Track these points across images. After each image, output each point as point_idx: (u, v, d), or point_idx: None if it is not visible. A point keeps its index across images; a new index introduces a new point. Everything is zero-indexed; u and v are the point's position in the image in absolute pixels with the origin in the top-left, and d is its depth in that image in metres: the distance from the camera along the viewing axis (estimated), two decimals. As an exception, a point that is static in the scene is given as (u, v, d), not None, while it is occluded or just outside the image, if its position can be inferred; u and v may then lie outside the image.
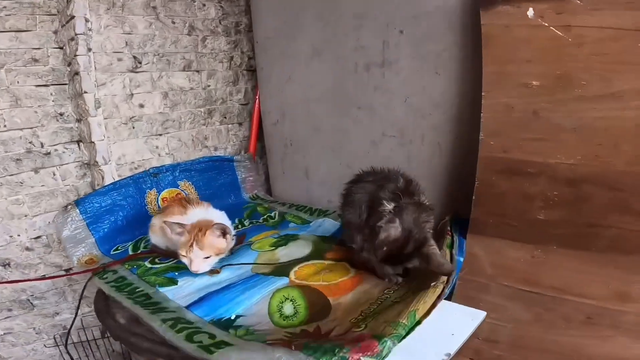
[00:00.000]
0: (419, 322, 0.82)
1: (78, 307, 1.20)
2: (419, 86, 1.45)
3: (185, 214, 1.25)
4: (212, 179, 1.82)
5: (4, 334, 1.56)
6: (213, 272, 1.17)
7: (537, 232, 1.06)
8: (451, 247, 1.13)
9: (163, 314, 0.95)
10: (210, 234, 1.15)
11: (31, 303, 1.61)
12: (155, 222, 1.33)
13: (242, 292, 1.05)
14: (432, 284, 0.92)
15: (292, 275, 1.14)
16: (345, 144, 1.70)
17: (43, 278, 1.54)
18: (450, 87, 1.38)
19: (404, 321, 0.79)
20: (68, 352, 1.29)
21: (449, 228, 1.20)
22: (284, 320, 0.96)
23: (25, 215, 1.58)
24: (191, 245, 1.12)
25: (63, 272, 1.66)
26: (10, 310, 1.56)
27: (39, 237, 1.60)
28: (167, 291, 1.09)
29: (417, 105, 1.47)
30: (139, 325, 0.97)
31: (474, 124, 1.29)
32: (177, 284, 1.13)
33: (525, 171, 1.08)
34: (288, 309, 0.99)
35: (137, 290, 1.11)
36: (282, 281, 1.10)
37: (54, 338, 1.64)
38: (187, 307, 1.01)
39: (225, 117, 2.06)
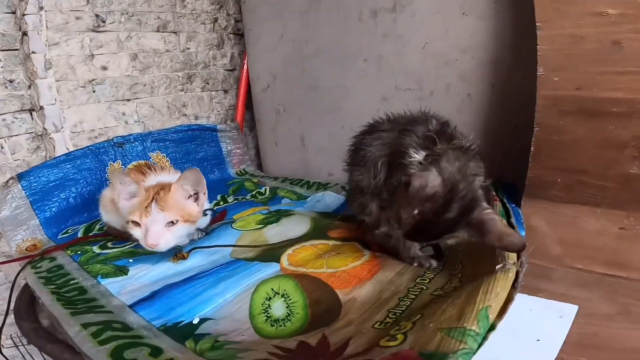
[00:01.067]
0: (492, 327, 0.45)
1: (9, 304, 0.84)
2: (440, 29, 1.11)
3: (143, 181, 0.88)
4: (191, 151, 1.45)
5: None
6: (177, 256, 0.82)
7: (629, 193, 0.70)
8: (506, 216, 0.76)
9: (90, 315, 0.60)
10: (178, 189, 0.78)
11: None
12: (107, 194, 0.96)
13: (212, 285, 0.69)
14: (497, 266, 0.56)
15: (284, 260, 0.78)
16: (348, 102, 1.34)
17: None
18: (481, 27, 1.05)
19: (472, 327, 0.43)
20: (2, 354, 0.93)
21: (494, 192, 0.83)
22: (273, 325, 0.61)
23: (-36, 196, 1.22)
24: (148, 206, 0.74)
25: (16, 265, 1.30)
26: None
27: (-19, 221, 1.24)
28: (111, 283, 0.74)
29: (439, 52, 1.13)
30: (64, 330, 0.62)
31: (516, 68, 0.99)
32: (126, 274, 0.77)
33: (608, 111, 0.72)
34: (278, 308, 0.64)
35: (71, 282, 0.75)
36: (271, 268, 0.74)
37: (11, 337, 1.28)
38: (132, 305, 0.65)
39: (208, 83, 1.68)
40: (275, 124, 1.61)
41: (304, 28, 1.45)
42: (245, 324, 0.60)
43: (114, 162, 1.25)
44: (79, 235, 1.04)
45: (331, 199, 1.19)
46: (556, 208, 0.78)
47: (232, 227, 0.98)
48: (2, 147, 1.28)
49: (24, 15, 1.22)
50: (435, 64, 1.13)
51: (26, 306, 0.76)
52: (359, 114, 1.31)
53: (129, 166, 1.27)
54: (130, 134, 1.33)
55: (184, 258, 0.81)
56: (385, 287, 0.68)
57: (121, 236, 0.97)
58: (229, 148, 1.59)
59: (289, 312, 0.63)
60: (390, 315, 0.59)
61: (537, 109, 0.81)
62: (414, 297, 0.63)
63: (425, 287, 0.66)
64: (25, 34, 1.24)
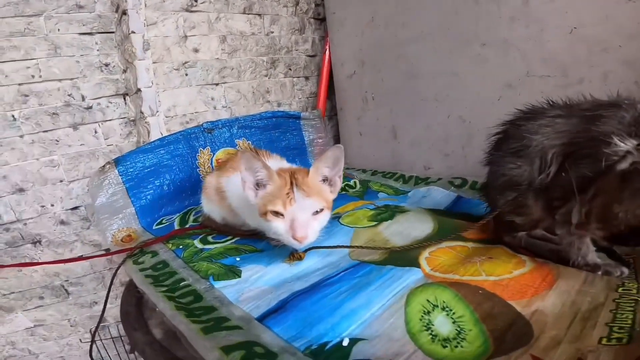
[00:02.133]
0: None
1: (106, 300, 0.78)
2: (596, 15, 0.93)
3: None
4: (275, 139, 1.36)
5: (35, 326, 1.20)
6: (294, 257, 0.71)
7: None
8: None
9: (223, 332, 0.50)
10: (316, 173, 0.66)
11: (66, 290, 1.24)
12: (211, 181, 0.87)
13: (350, 295, 0.57)
14: None
15: (424, 264, 0.64)
16: (458, 90, 1.17)
17: (68, 260, 1.16)
18: None
19: None
20: (91, 357, 0.89)
21: None
22: (445, 347, 0.47)
23: (61, 181, 1.21)
24: (290, 192, 0.62)
25: (102, 252, 1.28)
26: (41, 298, 1.20)
27: (75, 207, 1.23)
28: (226, 287, 0.64)
29: (593, 37, 0.94)
30: (182, 345, 0.53)
31: None
32: (240, 277, 0.67)
33: None
34: (442, 324, 0.50)
35: (182, 284, 0.66)
36: (413, 274, 0.61)
37: (90, 332, 1.28)
38: (260, 319, 0.54)
39: (291, 69, 1.59)
40: (362, 113, 1.48)
41: (399, 11, 1.30)
42: (409, 345, 0.47)
43: (203, 148, 1.19)
44: (176, 226, 0.97)
45: (440, 195, 1.04)
46: None
47: (340, 222, 0.86)
48: (95, 132, 1.27)
49: None
50: (587, 50, 0.94)
51: (135, 311, 0.68)
52: (472, 103, 1.15)
53: (218, 153, 1.20)
54: (219, 120, 1.26)
55: (300, 259, 0.70)
56: (578, 299, 0.52)
57: (219, 229, 0.89)
58: (311, 137, 1.48)
59: (459, 329, 0.49)
60: (615, 329, 0.45)
61: None
62: (631, 309, 0.48)
63: (639, 299, 0.50)
64: (124, 12, 1.20)
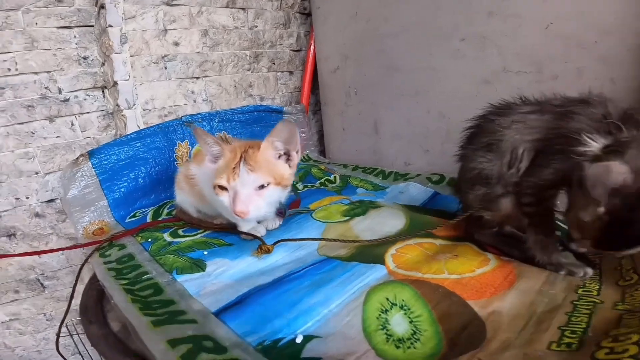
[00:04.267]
0: None
1: (72, 293, 0.75)
2: (572, 9, 0.90)
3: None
4: (257, 133, 1.32)
5: (10, 319, 1.17)
6: (262, 249, 0.68)
7: None
8: None
9: (174, 326, 0.48)
10: (268, 147, 0.65)
11: (41, 284, 1.21)
12: (182, 171, 0.85)
13: (311, 291, 0.54)
14: None
15: (389, 261, 0.62)
16: (437, 85, 1.14)
17: (38, 252, 1.12)
18: (630, 9, 0.83)
19: None
20: (57, 350, 0.85)
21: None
22: (398, 347, 0.45)
23: (36, 173, 1.17)
24: (235, 167, 0.62)
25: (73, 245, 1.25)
26: (17, 292, 1.17)
27: (51, 200, 1.19)
28: (188, 281, 0.62)
29: (569, 32, 0.91)
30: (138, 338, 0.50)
31: None
32: (204, 270, 0.65)
33: None
34: (399, 323, 0.48)
35: (144, 277, 0.64)
36: (376, 271, 0.59)
37: (66, 326, 1.24)
38: (217, 313, 0.52)
39: (274, 64, 1.55)
40: (345, 108, 1.45)
41: (381, 5, 1.26)
42: (362, 345, 0.45)
43: (182, 141, 1.15)
44: (148, 219, 0.94)
45: (417, 191, 1.02)
46: None
47: (312, 217, 0.84)
48: (72, 124, 1.23)
49: None
50: (562, 46, 0.92)
51: (94, 304, 0.66)
52: (450, 98, 1.12)
53: (197, 147, 1.17)
54: (199, 113, 1.22)
55: (268, 252, 0.67)
56: (536, 299, 0.50)
57: (191, 221, 0.87)
58: (294, 132, 1.45)
59: (415, 329, 0.47)
60: (566, 334, 0.42)
61: None
62: (587, 312, 0.46)
63: (597, 301, 0.48)
64: (102, 7, 1.17)
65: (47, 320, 1.22)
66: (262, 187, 0.63)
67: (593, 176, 0.44)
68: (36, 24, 1.16)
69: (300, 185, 1.17)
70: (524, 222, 0.60)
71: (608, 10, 0.87)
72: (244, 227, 0.76)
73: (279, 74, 1.57)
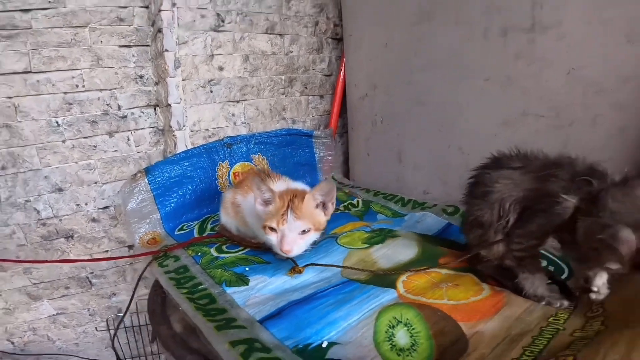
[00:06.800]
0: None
1: (132, 296, 0.99)
2: (596, 56, 1.03)
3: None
4: (288, 155, 1.54)
5: (57, 314, 1.43)
6: (294, 270, 0.89)
7: None
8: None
9: (231, 330, 0.68)
10: (310, 199, 0.86)
11: (90, 281, 1.46)
12: (228, 196, 1.08)
13: (335, 307, 0.74)
14: None
15: (400, 286, 0.81)
16: (460, 122, 1.32)
17: (100, 259, 1.38)
18: None
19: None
20: (113, 346, 1.09)
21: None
22: (399, 355, 0.64)
23: (95, 182, 1.43)
24: (284, 214, 0.82)
25: (125, 249, 1.50)
26: (67, 288, 1.43)
27: (106, 207, 1.45)
28: (235, 293, 0.83)
29: (589, 78, 1.04)
30: (197, 338, 0.72)
31: None
32: (247, 284, 0.86)
33: None
34: (402, 337, 0.67)
35: (200, 287, 0.85)
36: (388, 295, 0.78)
37: (106, 321, 1.49)
38: (261, 321, 0.73)
39: (307, 88, 1.77)
40: (370, 135, 1.64)
41: (412, 39, 1.44)
42: (372, 352, 0.64)
43: (222, 162, 1.38)
44: (195, 233, 1.17)
45: (432, 221, 1.20)
46: None
47: (337, 242, 1.04)
48: (128, 139, 1.48)
49: (159, 11, 1.37)
50: (582, 91, 1.05)
51: (161, 309, 0.87)
52: (472, 136, 1.29)
53: (235, 167, 1.40)
54: (238, 135, 1.45)
55: (300, 272, 0.88)
56: (513, 323, 0.68)
57: (233, 238, 1.08)
58: (321, 154, 1.66)
59: (413, 342, 0.66)
60: (526, 353, 0.60)
61: None
62: (550, 336, 0.63)
63: (561, 328, 0.66)
64: (160, 30, 1.38)
65: (89, 315, 1.48)
66: (304, 232, 0.84)
67: (609, 234, 0.59)
68: (101, 42, 1.41)
69: (326, 208, 1.37)
70: (514, 262, 0.77)
71: (630, 58, 0.97)
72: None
73: (310, 97, 1.79)
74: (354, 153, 1.75)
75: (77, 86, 1.40)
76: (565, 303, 0.73)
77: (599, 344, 0.54)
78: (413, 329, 0.68)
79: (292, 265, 0.90)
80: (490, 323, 0.69)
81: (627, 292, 0.68)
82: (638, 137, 1.00)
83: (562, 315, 0.70)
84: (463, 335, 0.66)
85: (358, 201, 1.44)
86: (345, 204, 1.43)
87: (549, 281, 0.79)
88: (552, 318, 0.69)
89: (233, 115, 1.55)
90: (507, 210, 0.75)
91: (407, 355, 0.63)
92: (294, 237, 0.82)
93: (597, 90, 1.04)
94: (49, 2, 1.34)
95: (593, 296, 0.67)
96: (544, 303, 0.74)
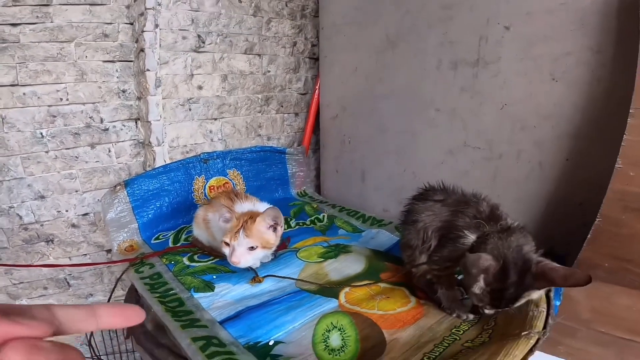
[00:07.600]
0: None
1: (110, 298, 1.13)
2: (524, 92, 1.19)
3: (232, 207, 1.13)
4: (261, 170, 1.70)
5: None
6: (255, 279, 1.05)
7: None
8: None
9: (194, 329, 0.84)
10: (261, 221, 1.03)
11: (68, 282, 1.58)
12: (200, 213, 1.23)
13: (284, 312, 0.91)
14: (523, 333, 0.72)
15: (342, 297, 0.98)
16: (414, 149, 1.50)
17: (78, 265, 1.51)
18: (569, 97, 1.11)
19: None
20: (89, 344, 1.23)
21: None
22: (330, 354, 0.81)
23: (76, 191, 1.56)
24: (237, 232, 1.00)
25: (104, 253, 1.63)
26: (45, 288, 1.54)
27: (86, 214, 1.57)
28: (202, 298, 0.98)
29: (517, 115, 1.21)
30: (165, 335, 0.87)
31: (596, 145, 1.06)
32: (213, 290, 1.01)
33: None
34: (335, 340, 0.84)
35: (171, 292, 1.01)
36: (331, 304, 0.95)
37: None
38: (221, 322, 0.88)
39: (282, 106, 1.93)
40: (339, 154, 1.81)
41: (379, 67, 1.61)
42: (309, 350, 0.81)
43: (199, 176, 1.53)
44: (170, 242, 1.32)
45: (384, 238, 1.38)
46: (596, 285, 0.89)
47: (297, 256, 1.20)
48: (109, 151, 1.61)
49: (142, 31, 1.50)
50: (510, 127, 1.22)
51: None
52: (423, 163, 1.48)
53: (211, 181, 1.55)
54: (214, 151, 1.60)
55: (260, 282, 1.04)
56: (424, 332, 0.86)
57: (204, 249, 1.24)
58: (293, 170, 1.82)
59: (343, 344, 0.83)
60: (425, 358, 0.77)
61: (604, 201, 0.92)
62: (447, 345, 0.81)
63: (458, 338, 0.83)
64: (142, 50, 1.51)
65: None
66: (252, 248, 1.01)
67: (470, 263, 0.78)
68: (86, 56, 1.52)
69: (293, 223, 1.54)
70: (435, 279, 0.95)
71: (551, 95, 1.13)
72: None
73: (285, 115, 1.95)
74: (324, 169, 1.92)
75: (61, 99, 1.51)
76: (471, 316, 0.91)
77: (475, 353, 0.72)
78: (345, 333, 0.85)
79: (254, 275, 1.06)
80: (407, 331, 0.86)
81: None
82: (553, 173, 1.18)
83: (464, 327, 0.88)
84: (384, 340, 0.83)
85: (324, 216, 1.61)
86: (312, 218, 1.59)
87: (465, 296, 0.97)
88: (454, 329, 0.87)
89: (210, 132, 1.69)
90: (429, 236, 0.93)
91: (336, 355, 0.80)
92: (242, 251, 1.00)
93: (521, 127, 1.21)
94: (37, 17, 1.46)
95: (485, 311, 0.85)
96: (454, 315, 0.92)
